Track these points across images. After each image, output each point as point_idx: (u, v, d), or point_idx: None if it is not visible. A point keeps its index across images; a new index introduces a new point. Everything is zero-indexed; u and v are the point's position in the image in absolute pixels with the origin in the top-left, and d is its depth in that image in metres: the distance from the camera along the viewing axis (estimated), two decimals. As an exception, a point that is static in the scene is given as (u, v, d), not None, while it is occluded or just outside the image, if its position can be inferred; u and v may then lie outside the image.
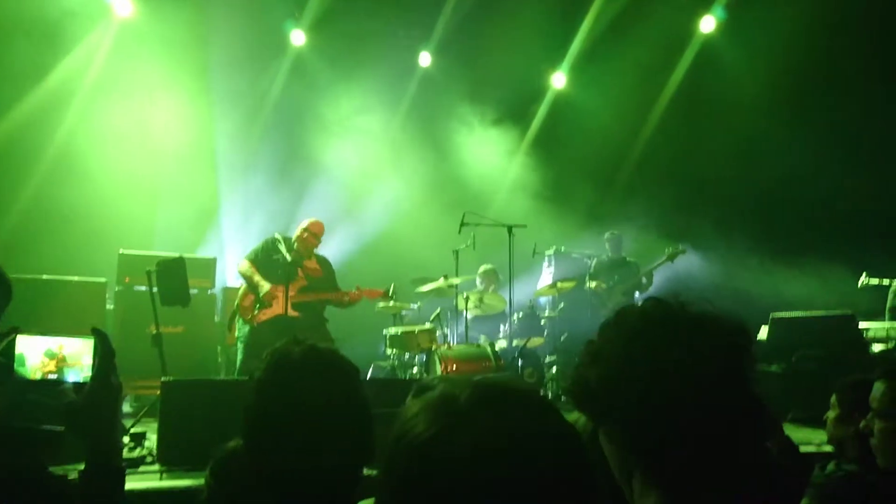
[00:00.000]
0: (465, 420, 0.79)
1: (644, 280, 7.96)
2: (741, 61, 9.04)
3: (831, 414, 2.82)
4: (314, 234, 5.80)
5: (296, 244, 5.82)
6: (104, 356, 1.44)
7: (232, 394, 4.00)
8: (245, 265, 5.80)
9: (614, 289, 7.97)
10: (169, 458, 3.96)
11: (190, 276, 5.75)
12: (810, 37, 8.15)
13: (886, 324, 6.23)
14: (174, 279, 5.46)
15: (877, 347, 6.34)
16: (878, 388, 1.95)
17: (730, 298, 8.07)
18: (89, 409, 1.39)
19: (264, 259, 5.78)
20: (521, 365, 6.46)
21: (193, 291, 6.15)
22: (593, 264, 8.23)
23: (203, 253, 7.54)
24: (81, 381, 1.64)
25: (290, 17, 8.51)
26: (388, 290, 6.09)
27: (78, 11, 7.33)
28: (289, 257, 5.69)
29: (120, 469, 1.44)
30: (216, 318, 7.17)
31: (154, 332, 5.16)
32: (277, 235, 5.91)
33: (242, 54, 7.86)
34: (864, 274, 6.60)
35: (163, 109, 7.60)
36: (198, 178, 7.74)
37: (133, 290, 6.59)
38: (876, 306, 6.85)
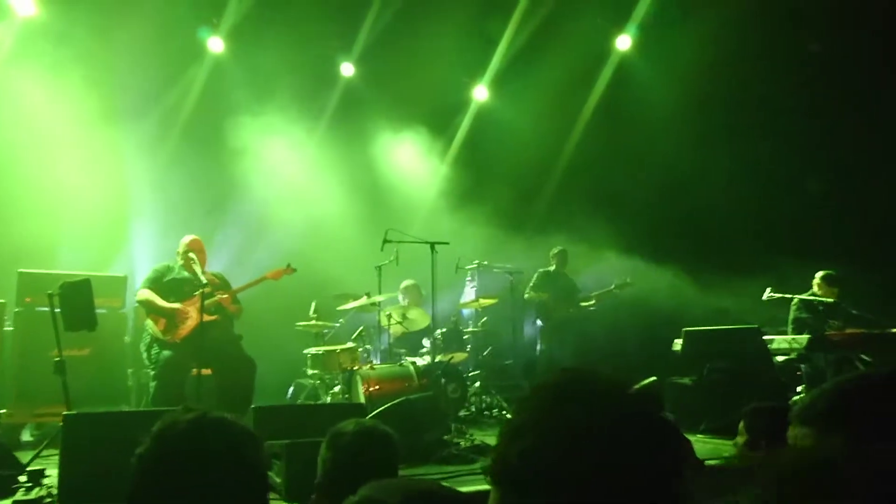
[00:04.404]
0: None
1: (593, 303, 8.28)
2: (657, 79, 9.31)
3: (740, 440, 2.94)
4: (192, 249, 5.82)
5: (182, 264, 5.85)
6: None
7: (142, 428, 3.79)
8: (145, 293, 5.76)
9: (560, 301, 8.19)
10: (71, 500, 3.72)
11: (99, 296, 5.50)
12: (719, 56, 8.50)
13: (789, 336, 6.55)
14: (79, 302, 5.16)
15: (780, 359, 6.66)
16: (792, 432, 2.00)
17: (648, 311, 8.35)
18: None
19: (160, 285, 5.78)
20: (445, 382, 6.45)
21: (102, 311, 5.92)
22: (535, 276, 8.36)
23: (113, 271, 7.19)
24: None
25: (205, 23, 8.22)
26: (288, 265, 6.11)
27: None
28: (186, 273, 5.77)
29: None
30: (127, 339, 6.86)
31: (57, 357, 4.88)
32: (162, 263, 6.01)
33: (153, 61, 7.51)
34: (768, 289, 6.90)
35: (66, 118, 7.14)
36: (105, 193, 7.36)
37: (34, 311, 6.22)
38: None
